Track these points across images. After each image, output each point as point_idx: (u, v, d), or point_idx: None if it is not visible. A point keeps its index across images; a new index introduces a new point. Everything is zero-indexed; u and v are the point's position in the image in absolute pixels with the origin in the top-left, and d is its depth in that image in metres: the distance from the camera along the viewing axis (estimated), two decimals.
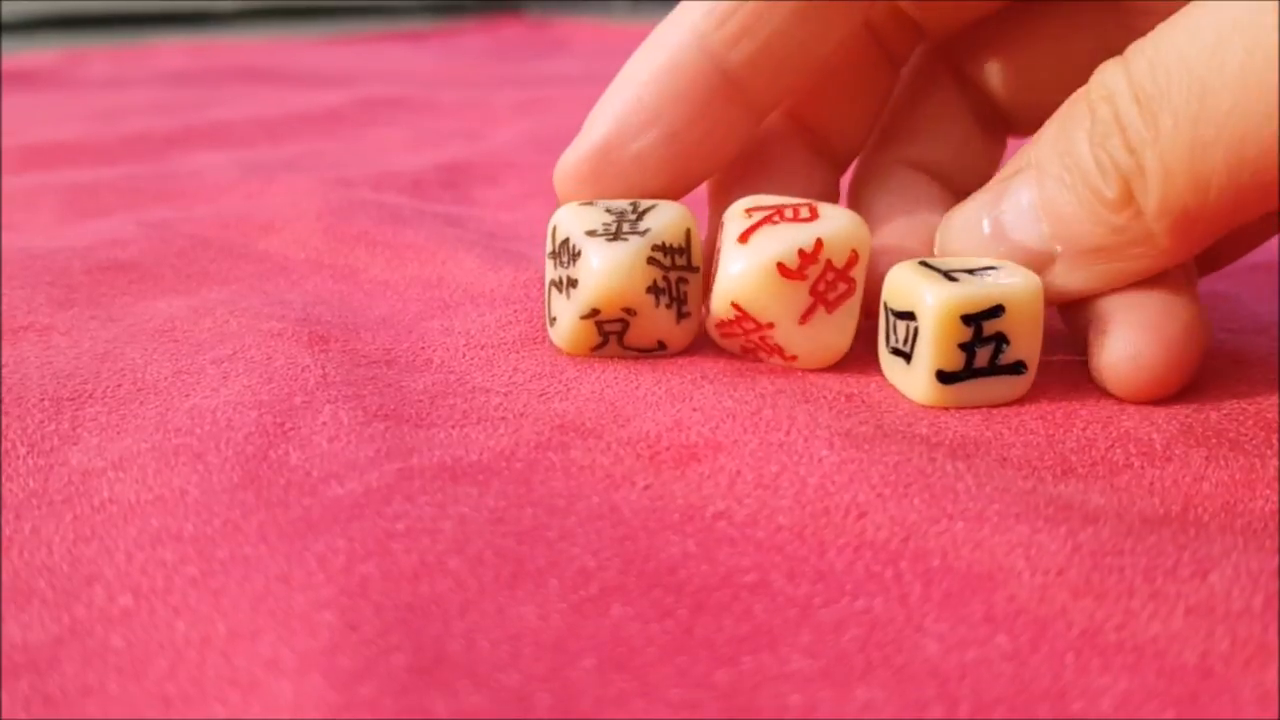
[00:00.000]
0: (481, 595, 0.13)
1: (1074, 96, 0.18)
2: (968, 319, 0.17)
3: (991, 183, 0.19)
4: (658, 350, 0.20)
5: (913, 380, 0.18)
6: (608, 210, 0.19)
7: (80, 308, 0.24)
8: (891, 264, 0.19)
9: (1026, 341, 0.18)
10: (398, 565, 0.13)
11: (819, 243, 0.18)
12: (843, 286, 0.19)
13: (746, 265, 0.18)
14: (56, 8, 1.05)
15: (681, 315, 0.20)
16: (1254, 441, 0.17)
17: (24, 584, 0.14)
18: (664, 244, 0.19)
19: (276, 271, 0.26)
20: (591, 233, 0.19)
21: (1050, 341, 0.19)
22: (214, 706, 0.11)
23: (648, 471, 0.16)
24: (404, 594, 0.13)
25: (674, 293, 0.19)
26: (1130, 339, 0.18)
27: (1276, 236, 0.22)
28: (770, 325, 0.19)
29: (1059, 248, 0.18)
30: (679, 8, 0.20)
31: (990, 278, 0.18)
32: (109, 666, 0.12)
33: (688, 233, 0.19)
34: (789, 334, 0.19)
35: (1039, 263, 0.18)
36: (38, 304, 0.23)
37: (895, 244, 0.20)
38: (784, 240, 0.18)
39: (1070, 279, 0.18)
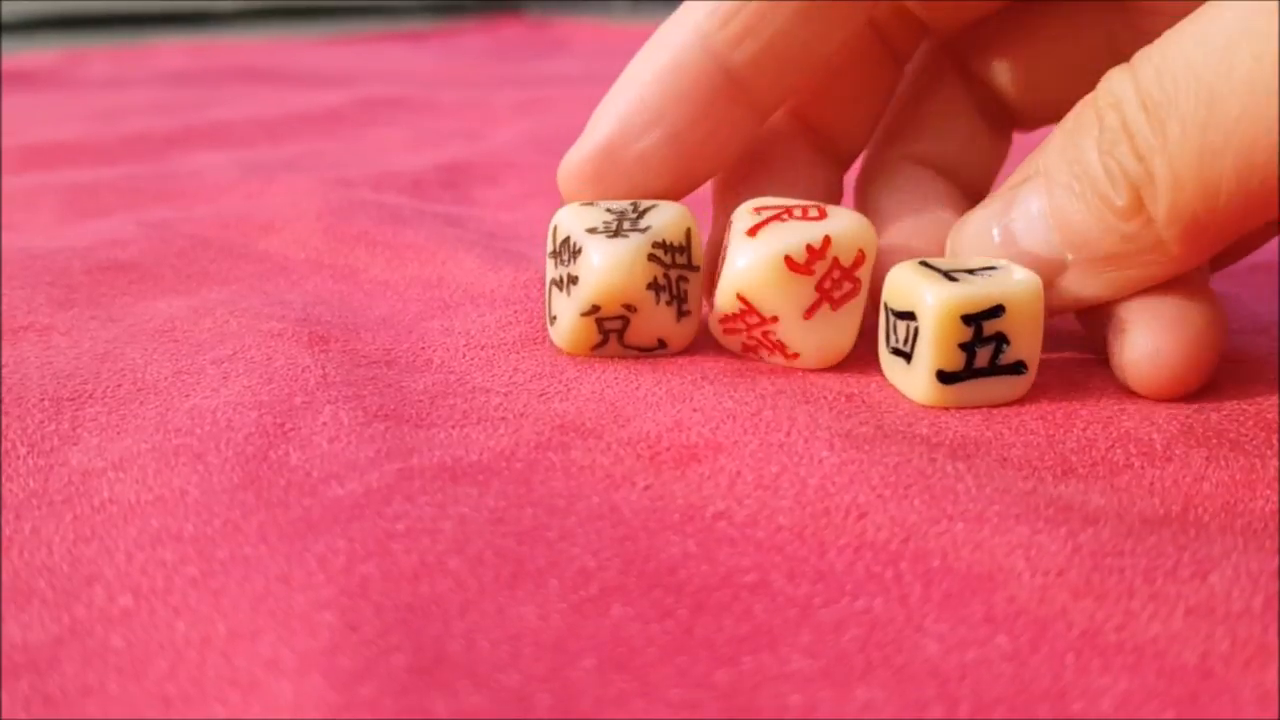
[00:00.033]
0: (481, 595, 0.13)
1: (1081, 103, 0.18)
2: (968, 319, 0.17)
3: (1000, 190, 0.19)
4: (658, 349, 0.20)
5: (913, 380, 0.18)
6: (608, 210, 0.19)
7: (80, 308, 0.24)
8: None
9: (1027, 341, 0.18)
10: (398, 565, 0.13)
11: (827, 239, 0.18)
12: (848, 285, 0.19)
13: (754, 257, 0.18)
14: (56, 8, 1.05)
15: (682, 314, 0.20)
16: (1254, 442, 0.17)
17: (24, 584, 0.14)
18: (664, 242, 0.19)
19: (276, 271, 0.26)
20: (592, 230, 0.19)
21: (1051, 341, 0.19)
22: (214, 706, 0.11)
23: (648, 472, 0.16)
24: (404, 594, 0.13)
25: (674, 290, 0.19)
26: (1150, 337, 0.18)
27: (1277, 238, 0.22)
28: (774, 319, 0.19)
29: (1070, 256, 0.18)
30: (682, 8, 0.20)
31: (990, 278, 0.18)
32: (109, 666, 0.12)
33: (688, 232, 0.19)
34: (792, 330, 0.19)
35: (1050, 271, 0.18)
36: (38, 304, 0.23)
37: (902, 243, 0.20)
38: (792, 235, 0.18)
39: (1082, 287, 0.18)
